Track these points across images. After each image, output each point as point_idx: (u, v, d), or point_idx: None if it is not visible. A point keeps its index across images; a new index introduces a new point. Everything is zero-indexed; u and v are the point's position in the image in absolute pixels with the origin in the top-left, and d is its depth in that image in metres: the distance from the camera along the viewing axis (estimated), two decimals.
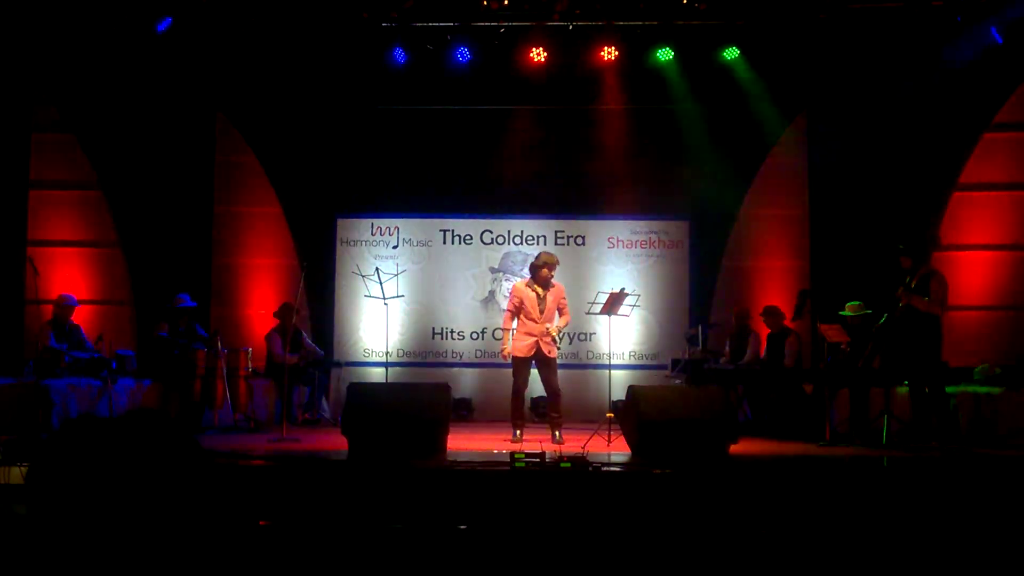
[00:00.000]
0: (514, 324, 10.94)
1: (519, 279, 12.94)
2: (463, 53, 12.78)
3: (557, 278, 11.01)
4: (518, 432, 10.70)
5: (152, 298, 13.38)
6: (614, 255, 14.38)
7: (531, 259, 12.06)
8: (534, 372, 10.98)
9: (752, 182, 14.29)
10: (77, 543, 1.73)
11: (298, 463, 8.82)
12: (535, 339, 10.70)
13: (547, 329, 10.69)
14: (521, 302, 10.82)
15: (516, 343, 10.83)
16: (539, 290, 10.80)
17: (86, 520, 1.73)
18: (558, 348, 10.88)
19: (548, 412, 11.03)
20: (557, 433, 10.67)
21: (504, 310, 11.42)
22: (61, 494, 1.75)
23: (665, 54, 12.85)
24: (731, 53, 12.83)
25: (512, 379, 10.92)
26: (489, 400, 13.75)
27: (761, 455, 9.67)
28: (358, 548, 5.49)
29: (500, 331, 13.16)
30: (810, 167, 14.01)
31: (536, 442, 10.01)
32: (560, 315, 10.88)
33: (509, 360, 10.95)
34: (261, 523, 6.29)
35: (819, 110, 13.88)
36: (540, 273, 10.82)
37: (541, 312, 10.73)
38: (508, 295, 12.70)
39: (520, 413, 10.86)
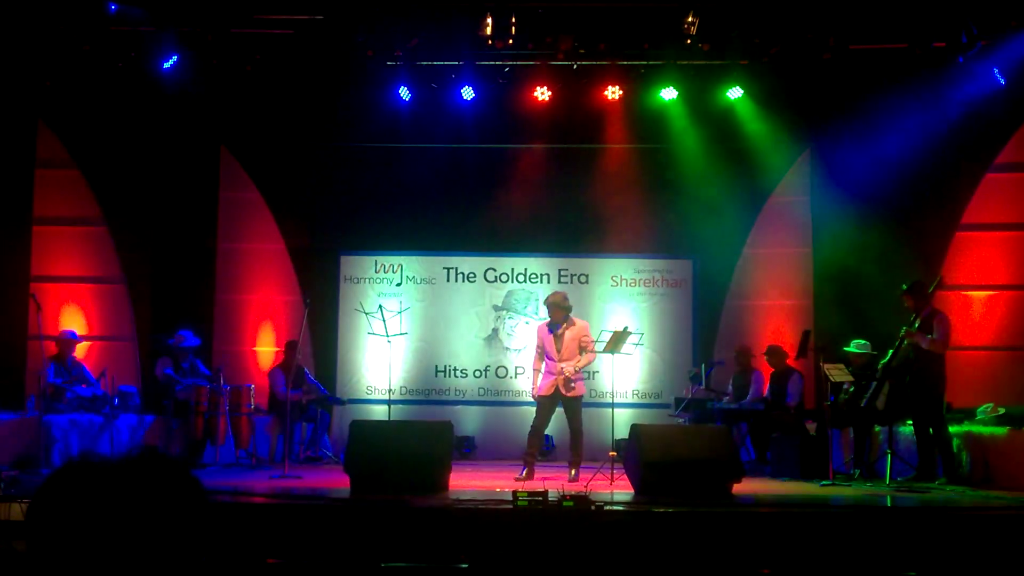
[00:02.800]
0: (543, 365, 10.96)
1: (523, 317, 13.06)
2: (467, 92, 12.83)
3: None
4: (526, 470, 10.66)
5: (155, 334, 13.39)
6: (617, 293, 14.39)
7: (534, 297, 12.10)
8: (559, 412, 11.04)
9: (755, 221, 14.32)
10: None
11: (300, 500, 8.79)
12: (554, 377, 10.73)
13: (562, 369, 10.69)
14: (542, 342, 10.87)
15: (540, 381, 10.87)
16: (556, 330, 10.83)
17: (86, 558, 1.72)
18: (580, 386, 10.86)
19: (570, 452, 10.99)
20: (573, 472, 10.66)
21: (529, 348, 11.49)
22: (61, 531, 1.74)
23: (669, 93, 12.89)
24: (735, 93, 12.87)
25: (535, 415, 11.00)
26: (492, 438, 13.73)
27: (764, 495, 9.63)
28: None
29: (504, 369, 13.31)
30: (813, 206, 14.05)
31: (539, 480, 9.98)
32: (584, 352, 10.87)
33: (535, 398, 11.03)
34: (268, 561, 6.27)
35: (823, 149, 13.93)
36: (550, 313, 10.89)
37: (558, 351, 10.74)
38: (514, 333, 12.92)
39: (533, 451, 10.84)
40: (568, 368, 10.70)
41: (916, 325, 10.58)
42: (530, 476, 10.58)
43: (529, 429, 10.93)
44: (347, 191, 14.52)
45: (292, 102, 13.31)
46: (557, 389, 10.73)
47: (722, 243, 14.23)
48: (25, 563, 1.76)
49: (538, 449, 11.07)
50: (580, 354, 10.84)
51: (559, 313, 10.85)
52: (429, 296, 14.43)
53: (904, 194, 13.29)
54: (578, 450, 10.82)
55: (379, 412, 13.68)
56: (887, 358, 10.80)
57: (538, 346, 10.99)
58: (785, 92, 13.06)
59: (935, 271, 12.25)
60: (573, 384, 10.74)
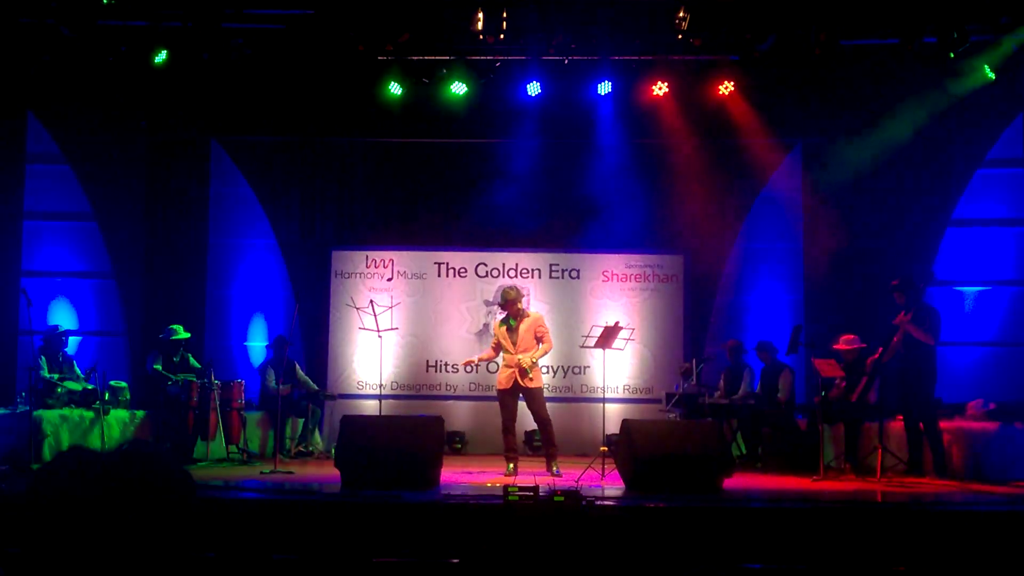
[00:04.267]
0: (498, 356, 10.99)
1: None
2: (459, 87, 12.82)
3: (552, 311, 11.09)
4: (511, 465, 10.66)
5: (146, 329, 13.37)
6: (608, 289, 14.39)
7: (526, 292, 12.12)
8: (523, 404, 10.99)
9: (746, 216, 14.33)
10: (68, 574, 1.72)
11: (291, 495, 8.79)
12: (512, 370, 10.71)
13: (518, 360, 10.67)
14: (497, 338, 10.89)
15: (498, 375, 10.88)
16: (511, 322, 10.83)
17: (77, 552, 1.72)
18: (537, 376, 10.83)
19: (543, 445, 11.00)
20: (554, 467, 10.62)
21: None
22: (52, 525, 1.74)
23: (660, 88, 12.89)
24: (726, 88, 12.87)
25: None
26: (482, 433, 13.71)
27: (755, 490, 9.64)
28: None
29: (496, 365, 13.35)
30: (804, 201, 14.06)
31: (530, 475, 9.98)
32: (540, 343, 10.85)
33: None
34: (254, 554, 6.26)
35: (814, 144, 13.94)
36: (503, 308, 10.91)
37: (514, 344, 10.75)
38: None
39: (512, 446, 10.83)
40: (525, 359, 10.70)
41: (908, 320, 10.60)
42: (515, 472, 10.57)
43: (502, 427, 10.90)
44: (338, 186, 14.52)
45: (283, 97, 13.29)
46: (516, 381, 10.72)
47: (713, 238, 14.24)
48: (17, 558, 1.76)
49: (516, 444, 11.05)
50: (537, 345, 10.85)
51: (511, 307, 10.86)
52: (420, 291, 14.43)
53: (895, 189, 13.32)
54: (551, 440, 10.80)
55: (370, 407, 13.68)
56: (878, 354, 10.82)
57: (495, 344, 11.03)
58: (776, 87, 13.07)
59: (926, 267, 12.26)
60: (531, 373, 10.71)
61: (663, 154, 14.06)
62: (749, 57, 12.52)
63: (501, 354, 10.93)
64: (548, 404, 11.03)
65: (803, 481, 10.27)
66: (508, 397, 10.83)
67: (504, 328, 10.85)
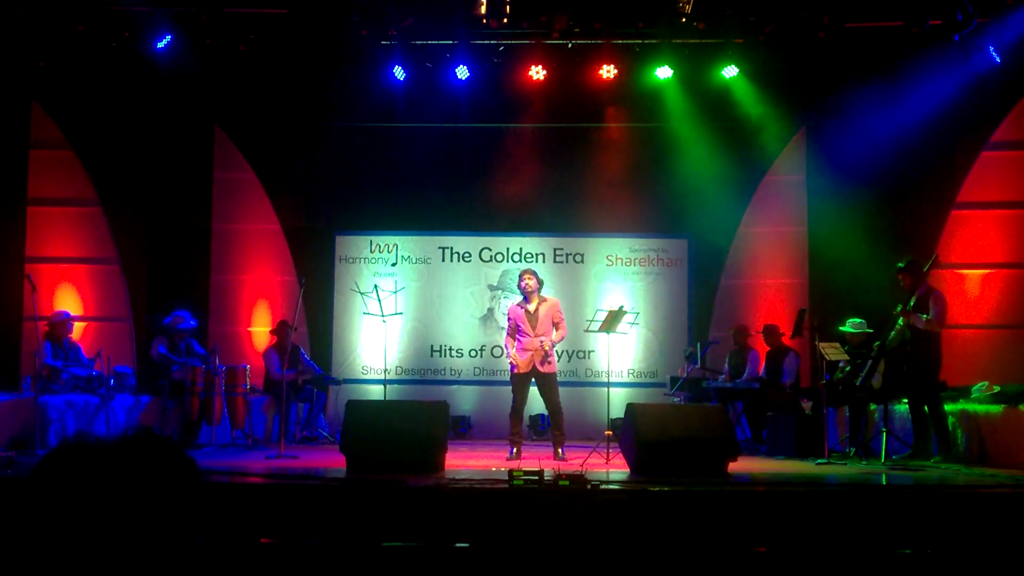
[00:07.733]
0: (515, 343, 10.93)
1: (517, 296, 13.11)
2: (462, 71, 12.80)
3: (556, 296, 11.05)
4: (515, 450, 10.66)
5: (150, 315, 13.37)
6: (613, 273, 14.38)
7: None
8: (534, 390, 10.97)
9: (751, 200, 14.32)
10: (73, 560, 1.72)
11: (296, 481, 8.80)
12: (530, 353, 10.70)
13: (540, 343, 10.67)
14: (515, 321, 10.84)
15: (514, 359, 10.83)
16: (528, 307, 10.82)
17: (82, 537, 1.72)
18: (553, 361, 10.83)
19: (551, 430, 11.02)
20: (560, 450, 10.65)
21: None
22: (57, 511, 1.74)
23: (664, 72, 12.87)
24: (730, 71, 12.85)
25: (512, 396, 10.92)
26: (487, 418, 13.72)
27: (760, 473, 9.64)
28: (356, 567, 5.47)
29: (500, 349, 13.25)
30: (809, 185, 14.04)
31: (535, 459, 9.98)
32: (556, 329, 10.86)
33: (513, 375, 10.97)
34: (262, 540, 6.26)
35: (818, 128, 13.91)
36: (520, 287, 10.88)
37: (533, 326, 10.73)
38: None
39: (518, 430, 10.83)
40: (546, 341, 10.69)
41: (912, 303, 10.57)
42: (518, 456, 10.57)
43: (511, 410, 10.89)
44: (342, 171, 14.51)
45: (286, 82, 13.29)
46: (534, 366, 10.72)
47: (717, 222, 14.23)
48: (22, 543, 1.76)
49: (522, 429, 11.06)
50: (553, 330, 10.84)
51: (528, 285, 10.84)
52: (424, 276, 14.42)
53: (900, 172, 13.29)
54: (560, 427, 10.83)
55: (375, 392, 13.69)
56: (884, 337, 10.81)
57: (511, 327, 10.94)
58: (780, 70, 13.03)
59: (931, 249, 12.24)
60: (549, 358, 10.73)
61: (667, 137, 14.04)
62: (753, 40, 12.49)
63: (518, 338, 10.89)
64: None
65: (807, 465, 10.27)
66: (524, 381, 10.83)
67: (523, 312, 10.83)
